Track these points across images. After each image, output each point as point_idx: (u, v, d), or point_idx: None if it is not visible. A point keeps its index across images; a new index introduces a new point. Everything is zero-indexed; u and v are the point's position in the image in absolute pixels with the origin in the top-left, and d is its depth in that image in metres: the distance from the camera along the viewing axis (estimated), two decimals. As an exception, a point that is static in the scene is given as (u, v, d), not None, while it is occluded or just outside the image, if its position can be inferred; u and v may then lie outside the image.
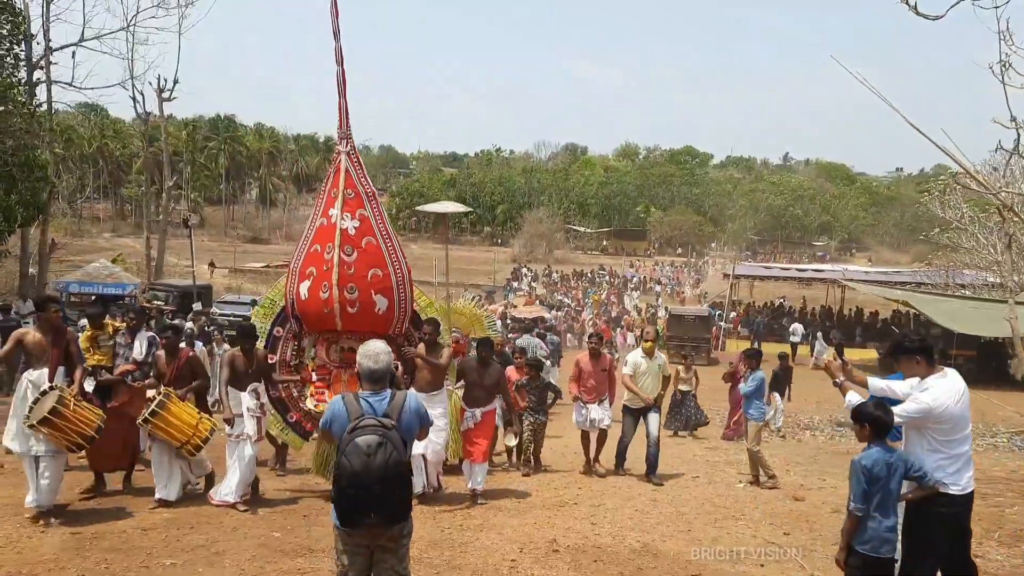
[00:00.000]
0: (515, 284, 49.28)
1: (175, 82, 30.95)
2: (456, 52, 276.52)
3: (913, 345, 5.13)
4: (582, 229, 69.41)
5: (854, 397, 5.23)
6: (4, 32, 16.63)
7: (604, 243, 70.32)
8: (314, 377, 7.92)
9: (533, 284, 49.88)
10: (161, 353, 7.85)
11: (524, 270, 53.08)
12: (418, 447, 7.03)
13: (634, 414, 9.21)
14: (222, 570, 5.70)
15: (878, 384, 5.43)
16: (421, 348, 7.91)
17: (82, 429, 6.57)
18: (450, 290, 10.51)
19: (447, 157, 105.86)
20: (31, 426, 6.39)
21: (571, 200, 72.09)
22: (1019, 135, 9.30)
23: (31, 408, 6.45)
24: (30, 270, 24.28)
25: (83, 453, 7.42)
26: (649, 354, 9.27)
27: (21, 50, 17.33)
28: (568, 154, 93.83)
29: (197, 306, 20.15)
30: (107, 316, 8.91)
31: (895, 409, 4.91)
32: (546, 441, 9.99)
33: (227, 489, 7.32)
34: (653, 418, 9.05)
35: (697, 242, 71.74)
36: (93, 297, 18.23)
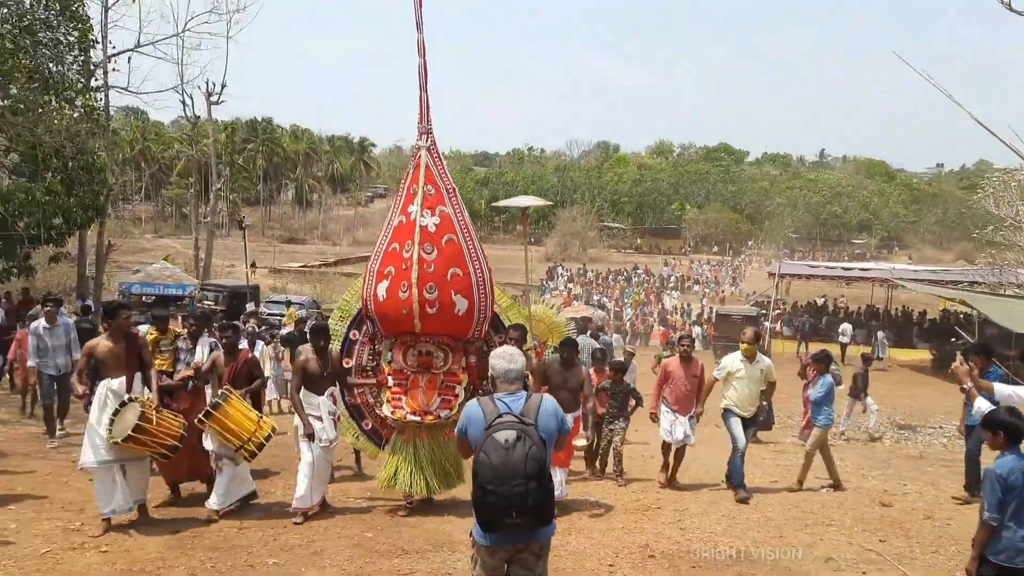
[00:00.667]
0: (550, 284, 49.11)
1: (223, 86, 31.52)
2: (483, 52, 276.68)
3: None
4: (616, 226, 69.17)
5: (983, 403, 5.17)
6: (72, 39, 16.95)
7: (638, 241, 70.05)
8: (390, 382, 7.59)
9: (569, 284, 49.61)
10: (219, 353, 7.70)
11: (560, 269, 52.88)
12: None
13: (738, 418, 8.33)
14: (323, 570, 5.79)
15: (1005, 391, 5.32)
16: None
17: (165, 440, 6.52)
18: (530, 293, 10.54)
19: (478, 156, 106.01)
20: (115, 443, 6.35)
21: (604, 198, 71.86)
22: None
23: (112, 420, 6.37)
24: (86, 271, 24.78)
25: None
26: (749, 357, 8.32)
27: (88, 57, 17.61)
28: (600, 152, 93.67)
29: (250, 306, 20.39)
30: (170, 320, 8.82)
31: None
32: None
33: (303, 493, 7.09)
34: (748, 429, 8.45)
35: (734, 240, 71.15)
36: (153, 298, 18.49)
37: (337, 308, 8.15)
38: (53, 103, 16.20)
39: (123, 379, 6.73)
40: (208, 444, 7.16)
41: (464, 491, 7.44)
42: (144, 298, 19.00)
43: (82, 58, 17.26)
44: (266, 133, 75.00)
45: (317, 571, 5.77)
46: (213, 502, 7.07)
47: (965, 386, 5.49)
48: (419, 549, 6.32)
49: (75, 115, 17.09)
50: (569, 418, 7.28)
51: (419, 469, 7.43)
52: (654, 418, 8.88)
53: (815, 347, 28.88)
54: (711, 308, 37.29)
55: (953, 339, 28.78)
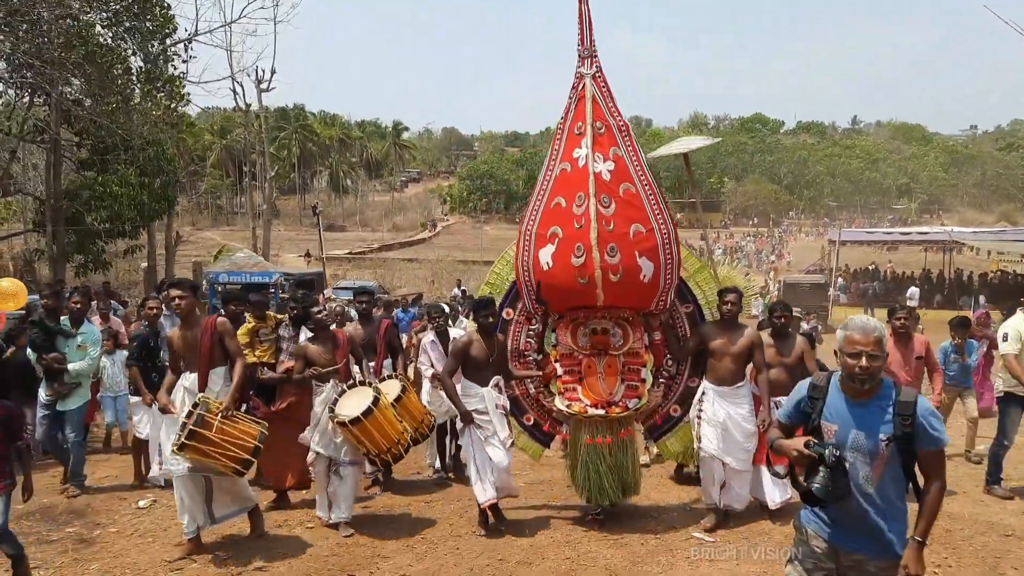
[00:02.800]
0: None
1: (272, 72, 31.50)
2: (505, 32, 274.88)
3: None
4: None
5: None
6: (153, 27, 16.91)
7: (678, 216, 69.24)
8: (559, 370, 6.40)
9: None
10: (308, 344, 6.57)
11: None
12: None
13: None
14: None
15: None
16: (708, 327, 6.49)
17: (231, 451, 5.53)
18: (712, 255, 8.97)
19: (509, 136, 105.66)
20: (173, 452, 5.61)
21: (642, 173, 71.20)
22: None
23: (184, 423, 5.55)
24: (155, 264, 24.95)
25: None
26: None
27: (166, 46, 17.60)
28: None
29: (329, 292, 20.44)
30: (268, 306, 7.84)
31: None
32: None
33: (483, 498, 6.20)
34: None
35: (773, 211, 70.38)
36: (239, 286, 18.51)
37: (486, 283, 7.02)
38: (137, 93, 16.27)
39: (197, 375, 5.90)
40: (316, 446, 6.32)
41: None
42: (227, 287, 18.97)
43: (163, 47, 17.27)
44: (299, 120, 75.02)
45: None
46: (342, 514, 6.30)
47: None
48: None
49: (170, 104, 17.10)
50: (782, 402, 6.53)
51: (603, 474, 6.29)
52: None
53: (880, 312, 28.69)
54: (776, 279, 36.63)
55: (1022, 298, 28.42)
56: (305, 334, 7.10)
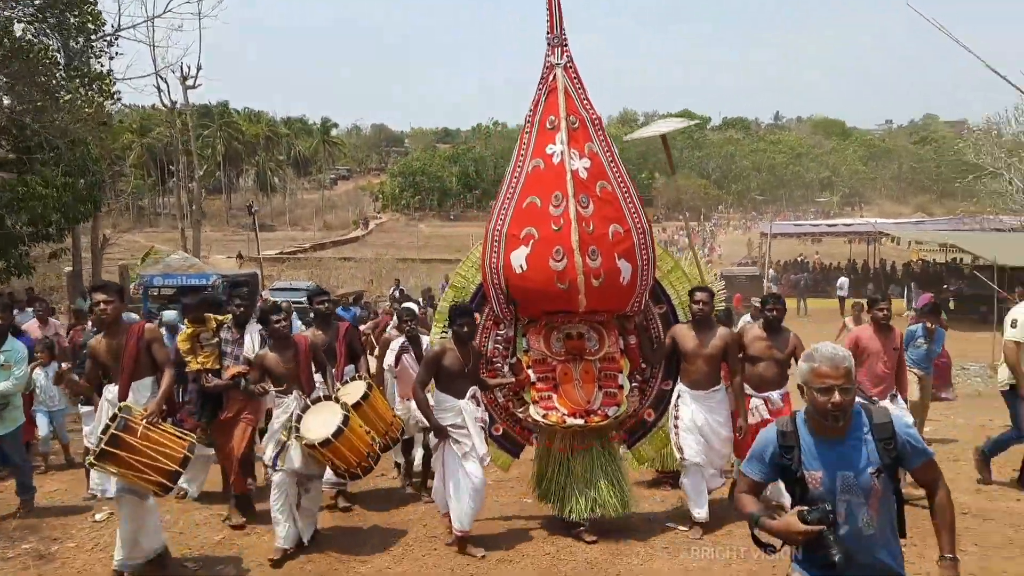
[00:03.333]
0: None
1: (199, 68, 30.61)
2: (437, 29, 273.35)
3: None
4: (589, 198, 69.11)
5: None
6: (78, 22, 16.12)
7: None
8: (533, 377, 6.02)
9: None
10: (267, 352, 6.10)
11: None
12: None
13: None
14: None
15: None
16: (681, 328, 6.24)
17: (161, 462, 4.97)
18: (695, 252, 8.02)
19: (440, 133, 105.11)
20: (91, 464, 5.07)
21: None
22: None
23: (101, 437, 4.98)
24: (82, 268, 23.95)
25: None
26: None
27: (94, 40, 16.79)
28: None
29: (266, 294, 19.91)
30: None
31: None
32: None
33: (457, 523, 5.73)
34: None
35: (703, 205, 71.68)
36: (173, 290, 17.84)
37: (451, 286, 6.64)
38: (65, 91, 15.48)
39: (129, 385, 5.37)
40: (268, 456, 5.86)
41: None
42: (162, 291, 18.27)
43: (88, 43, 16.50)
44: (223, 118, 73.16)
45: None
46: (310, 528, 5.97)
47: None
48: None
49: (102, 102, 16.36)
50: (775, 396, 6.29)
51: (585, 486, 5.96)
52: None
53: (815, 304, 29.51)
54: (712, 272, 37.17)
55: (944, 286, 29.68)
56: (251, 337, 6.69)
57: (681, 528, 6.23)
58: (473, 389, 5.83)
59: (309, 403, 5.83)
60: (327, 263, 39.52)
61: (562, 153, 5.72)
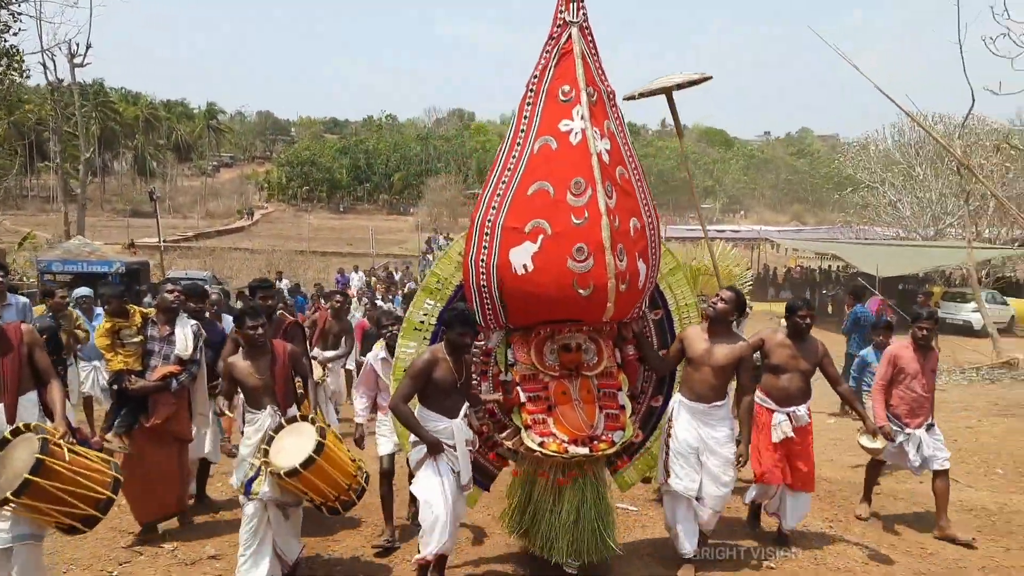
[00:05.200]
0: (429, 257, 47.64)
1: (88, 47, 28.62)
2: (330, 16, 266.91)
3: None
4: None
5: None
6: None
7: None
8: (522, 397, 5.08)
9: None
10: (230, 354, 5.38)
11: (440, 239, 51.93)
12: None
13: None
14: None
15: None
16: (693, 330, 5.40)
17: (96, 490, 4.20)
18: (711, 242, 7.11)
19: (328, 123, 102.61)
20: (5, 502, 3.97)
21: (469, 167, 71.58)
22: (973, 101, 10.17)
23: None
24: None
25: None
26: None
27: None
28: (456, 120, 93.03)
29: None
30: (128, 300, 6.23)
31: None
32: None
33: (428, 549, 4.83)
34: None
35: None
36: (71, 277, 16.44)
37: (424, 288, 5.39)
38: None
39: (16, 402, 4.50)
40: (237, 481, 5.11)
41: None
42: (57, 277, 16.80)
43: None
44: (98, 97, 68.74)
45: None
46: (294, 551, 5.24)
47: None
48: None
49: (14, 79, 14.91)
50: (801, 411, 5.73)
51: (573, 524, 5.12)
52: (887, 434, 6.08)
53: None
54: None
55: (824, 291, 31.32)
56: (183, 331, 5.92)
57: (631, 508, 6.22)
58: (466, 408, 4.99)
59: (284, 422, 5.03)
60: (220, 253, 37.77)
61: (583, 131, 4.76)
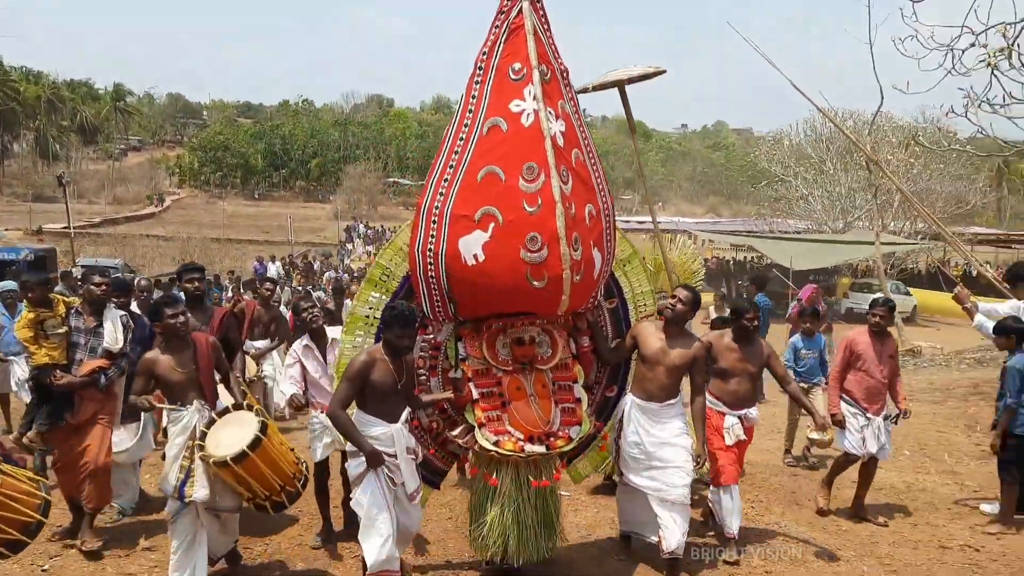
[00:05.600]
0: (349, 246, 46.40)
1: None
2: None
3: None
4: (406, 182, 68.54)
5: (983, 318, 6.58)
6: None
7: (427, 198, 69.71)
8: (475, 393, 4.87)
9: (368, 246, 45.22)
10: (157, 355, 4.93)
11: (362, 227, 51.03)
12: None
13: None
14: None
15: (985, 307, 6.82)
16: (647, 327, 5.29)
17: (20, 512, 3.94)
18: (661, 240, 6.92)
19: (242, 107, 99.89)
20: None
21: (388, 154, 70.78)
22: (882, 99, 10.74)
23: None
24: None
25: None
26: None
27: None
28: (375, 106, 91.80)
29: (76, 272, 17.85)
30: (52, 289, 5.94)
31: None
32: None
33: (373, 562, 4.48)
34: None
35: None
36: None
37: (368, 280, 5.16)
38: None
39: None
40: (169, 486, 4.77)
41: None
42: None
43: None
44: (-7, 75, 65.10)
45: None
46: (226, 544, 5.07)
47: (967, 305, 6.66)
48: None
49: None
50: (754, 412, 5.81)
51: (528, 526, 4.90)
52: (838, 421, 6.32)
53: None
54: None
55: (740, 281, 32.25)
56: (112, 324, 5.59)
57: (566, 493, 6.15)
58: (407, 413, 4.72)
59: (214, 416, 4.78)
60: (132, 240, 36.39)
61: (536, 112, 4.50)
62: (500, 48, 4.69)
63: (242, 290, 15.64)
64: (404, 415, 4.66)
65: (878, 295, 6.48)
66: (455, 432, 5.01)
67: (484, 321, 4.99)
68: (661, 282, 7.00)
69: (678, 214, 66.14)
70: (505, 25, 4.69)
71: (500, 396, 4.89)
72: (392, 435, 4.54)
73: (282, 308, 9.70)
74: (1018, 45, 7.79)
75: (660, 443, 5.19)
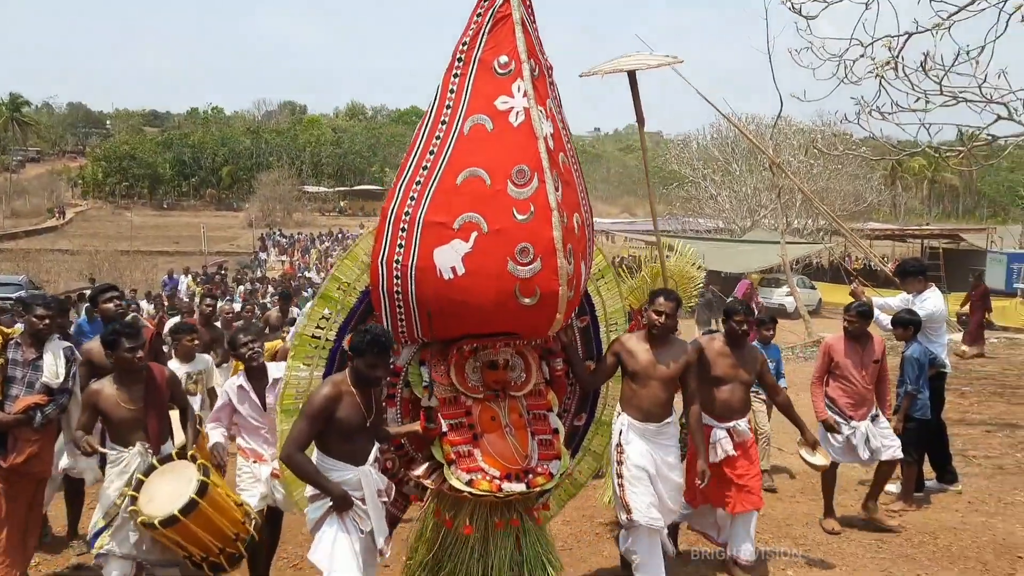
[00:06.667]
0: (263, 255, 44.81)
1: None
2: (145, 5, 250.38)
3: (917, 268, 7.17)
4: (317, 190, 67.68)
5: (878, 312, 6.84)
6: None
7: (342, 204, 69.12)
8: (444, 426, 4.25)
9: (282, 256, 44.19)
10: (101, 386, 4.53)
11: (277, 236, 49.97)
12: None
13: None
14: None
15: (879, 301, 7.16)
16: (630, 340, 4.85)
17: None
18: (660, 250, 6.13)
19: (148, 115, 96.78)
20: None
21: (303, 160, 69.79)
22: (781, 106, 11.42)
23: None
24: None
25: None
26: None
27: None
28: (288, 113, 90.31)
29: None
30: None
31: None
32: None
33: None
34: None
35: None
36: None
37: (322, 296, 4.46)
38: None
39: None
40: (107, 541, 4.37)
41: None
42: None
43: None
44: None
45: None
46: None
47: (862, 300, 6.73)
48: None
49: None
50: (741, 425, 5.22)
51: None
52: (830, 426, 6.01)
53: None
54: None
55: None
56: (52, 357, 4.94)
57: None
58: (375, 452, 4.12)
59: (155, 463, 4.31)
60: (36, 255, 34.81)
61: (526, 110, 4.06)
62: (483, 39, 4.21)
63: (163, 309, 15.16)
64: (373, 454, 4.07)
65: (855, 303, 6.26)
66: (418, 471, 4.34)
67: (454, 343, 4.41)
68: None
69: (595, 215, 67.32)
70: (490, 14, 4.21)
71: (471, 428, 4.29)
72: (360, 479, 3.95)
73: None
74: (903, 57, 8.39)
75: (658, 474, 4.78)
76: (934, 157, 15.32)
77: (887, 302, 7.20)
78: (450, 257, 4.01)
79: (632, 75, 5.80)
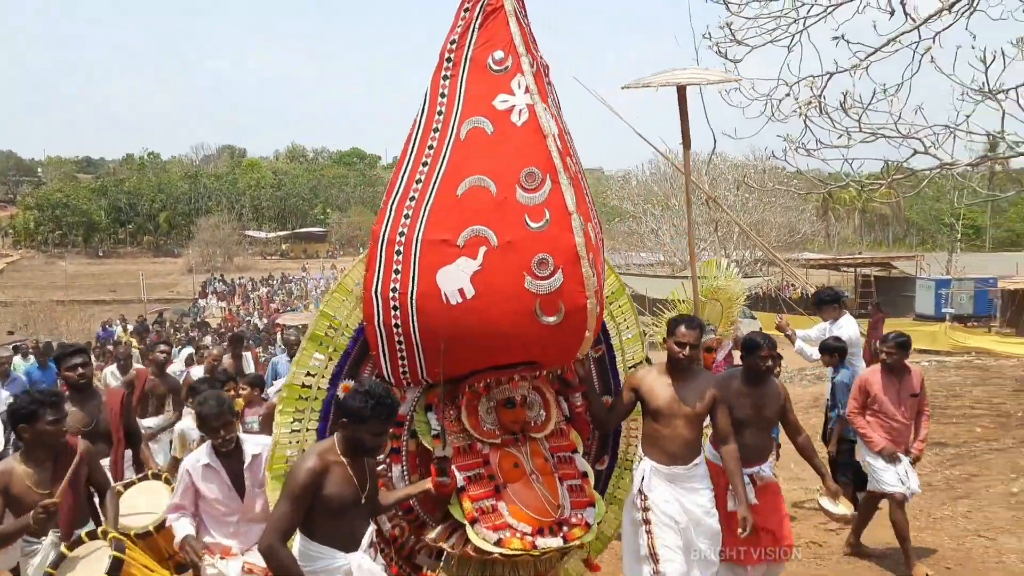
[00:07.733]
0: (202, 302, 44.22)
1: None
2: (78, 44, 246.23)
3: (832, 296, 7.46)
4: (259, 234, 66.98)
5: (803, 343, 7.19)
6: None
7: (284, 247, 68.41)
8: (460, 479, 3.72)
9: (221, 303, 43.72)
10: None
11: (219, 283, 49.18)
12: None
13: None
14: None
15: (802, 332, 7.41)
16: (649, 375, 4.31)
17: None
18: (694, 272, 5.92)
19: (82, 162, 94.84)
20: None
21: (243, 204, 69.07)
22: (715, 143, 11.89)
23: None
24: None
25: None
26: None
27: None
28: (227, 157, 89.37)
29: None
30: None
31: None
32: None
33: None
34: None
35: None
36: None
37: (310, 337, 3.94)
38: None
39: None
40: None
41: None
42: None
43: None
44: None
45: None
46: None
47: (788, 332, 7.25)
48: None
49: None
50: (768, 470, 4.72)
51: None
52: (890, 454, 5.58)
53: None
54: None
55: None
56: None
57: None
58: (371, 532, 3.51)
59: (65, 551, 3.69)
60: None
61: (530, 107, 3.63)
62: (474, 35, 3.80)
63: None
64: (368, 536, 3.46)
65: (892, 333, 5.85)
66: (432, 535, 3.80)
67: (462, 382, 3.89)
68: (706, 314, 6.20)
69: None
70: (479, 7, 3.80)
71: (491, 479, 3.76)
72: (351, 568, 3.31)
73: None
74: (824, 96, 8.83)
75: (692, 521, 4.24)
76: (859, 190, 15.97)
77: (808, 333, 7.44)
78: (456, 278, 3.55)
79: (682, 90, 5.42)
